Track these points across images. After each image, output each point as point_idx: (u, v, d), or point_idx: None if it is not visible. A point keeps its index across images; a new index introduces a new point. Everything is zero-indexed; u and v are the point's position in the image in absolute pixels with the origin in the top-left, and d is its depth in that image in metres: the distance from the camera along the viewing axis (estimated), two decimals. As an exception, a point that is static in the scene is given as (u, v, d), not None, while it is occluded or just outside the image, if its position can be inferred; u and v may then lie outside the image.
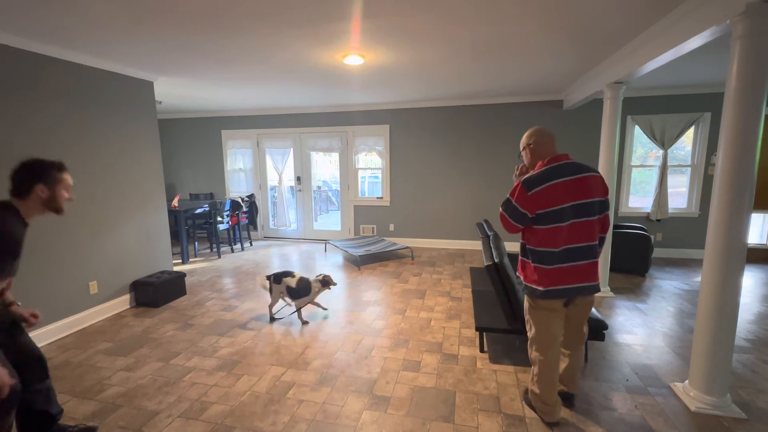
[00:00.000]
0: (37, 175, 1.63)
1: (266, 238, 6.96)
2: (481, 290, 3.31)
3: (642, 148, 5.46)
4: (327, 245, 6.08)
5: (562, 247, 1.79)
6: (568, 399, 2.09)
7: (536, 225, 1.83)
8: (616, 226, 4.72)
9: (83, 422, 2.01)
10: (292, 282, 3.28)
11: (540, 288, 1.83)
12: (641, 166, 5.34)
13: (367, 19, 2.50)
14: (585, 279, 1.82)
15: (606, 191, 1.86)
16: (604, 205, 1.86)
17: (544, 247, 1.82)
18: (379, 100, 5.63)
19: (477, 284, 3.51)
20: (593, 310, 2.31)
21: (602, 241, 1.91)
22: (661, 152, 5.06)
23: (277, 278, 3.30)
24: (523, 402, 2.15)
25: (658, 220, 5.19)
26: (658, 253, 5.17)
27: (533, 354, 1.96)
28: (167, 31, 2.68)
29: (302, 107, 6.14)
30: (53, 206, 1.68)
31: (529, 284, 1.90)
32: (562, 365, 2.03)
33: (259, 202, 6.78)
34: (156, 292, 3.64)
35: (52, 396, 1.82)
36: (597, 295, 3.68)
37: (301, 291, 3.27)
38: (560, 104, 5.28)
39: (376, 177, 6.98)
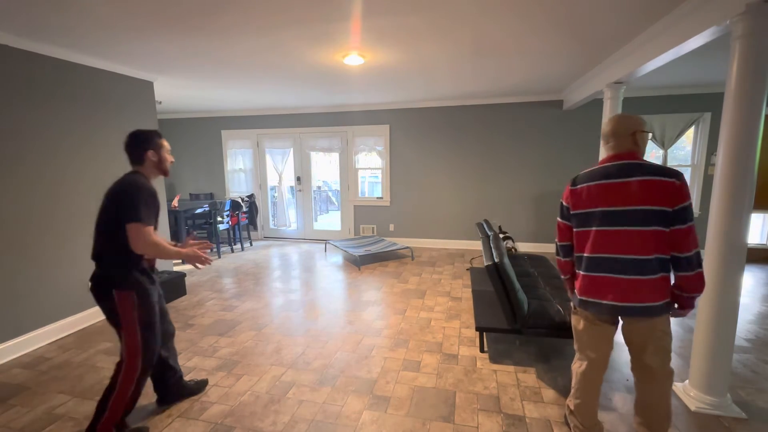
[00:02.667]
0: (145, 142, 1.88)
1: (266, 238, 6.96)
2: (481, 290, 3.31)
3: (642, 148, 5.45)
4: (327, 245, 6.08)
5: (591, 253, 1.65)
6: None
7: (573, 226, 1.74)
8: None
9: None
10: None
11: (577, 296, 1.72)
12: (641, 166, 5.34)
13: (367, 19, 2.50)
14: (626, 297, 1.57)
15: (670, 200, 1.50)
16: (659, 216, 1.52)
17: (578, 251, 1.72)
18: (379, 100, 5.63)
19: (477, 284, 3.51)
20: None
21: (677, 260, 1.55)
22: (661, 152, 5.06)
23: None
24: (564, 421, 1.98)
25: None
26: (658, 253, 5.16)
27: (573, 364, 1.84)
28: (167, 32, 2.68)
29: (302, 107, 6.14)
30: (162, 168, 1.96)
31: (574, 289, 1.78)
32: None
33: (259, 202, 6.78)
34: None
35: (176, 355, 2.21)
36: None
37: None
38: (560, 104, 5.28)
39: (376, 177, 6.99)
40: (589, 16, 2.47)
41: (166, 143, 1.98)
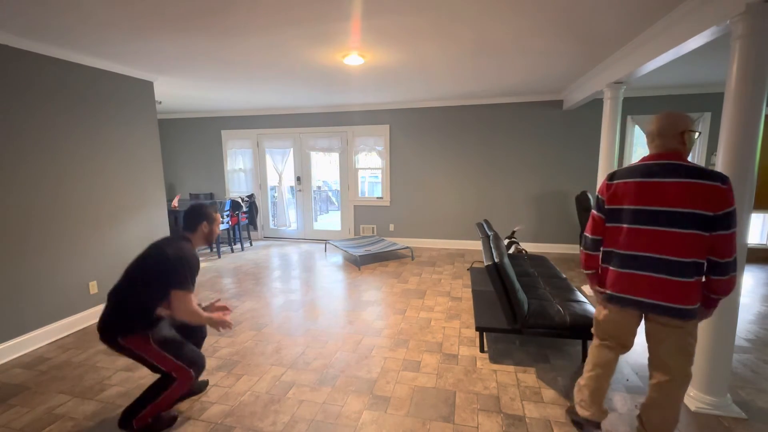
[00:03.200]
0: (202, 216, 2.06)
1: (266, 238, 6.96)
2: (481, 290, 3.31)
3: (642, 148, 5.45)
4: (327, 245, 6.08)
5: (625, 250, 1.66)
6: None
7: (606, 221, 1.74)
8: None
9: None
10: None
11: (608, 291, 1.73)
12: (641, 166, 5.33)
13: (367, 19, 2.50)
14: (659, 296, 1.58)
15: (714, 205, 1.48)
16: (699, 220, 1.49)
17: (609, 247, 1.73)
18: (379, 100, 5.63)
19: (477, 284, 3.51)
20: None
21: (715, 264, 1.54)
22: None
23: None
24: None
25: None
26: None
27: (591, 346, 1.89)
28: (167, 31, 2.68)
29: (302, 107, 6.14)
30: (209, 240, 2.12)
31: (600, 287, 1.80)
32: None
33: (259, 202, 6.78)
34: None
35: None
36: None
37: None
38: (560, 104, 5.28)
39: (376, 177, 6.99)
40: (589, 15, 2.47)
41: (219, 217, 2.16)
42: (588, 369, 1.85)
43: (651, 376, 1.72)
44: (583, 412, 1.83)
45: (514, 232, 4.56)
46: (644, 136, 5.05)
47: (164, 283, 1.84)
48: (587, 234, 1.82)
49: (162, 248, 1.90)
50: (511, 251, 3.11)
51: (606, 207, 1.72)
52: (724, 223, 1.48)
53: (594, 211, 1.79)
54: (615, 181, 1.69)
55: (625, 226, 1.65)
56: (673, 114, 1.61)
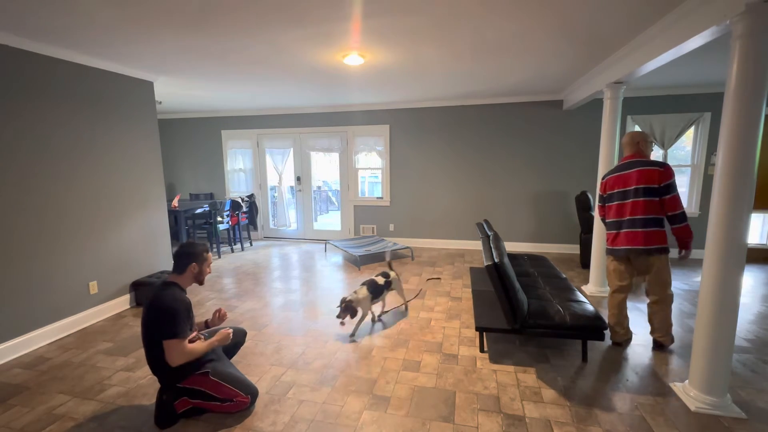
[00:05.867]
0: (191, 256, 2.06)
1: (266, 238, 6.96)
2: (481, 290, 3.31)
3: (642, 148, 5.46)
4: (327, 245, 6.09)
5: (612, 218, 2.69)
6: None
7: (603, 204, 2.82)
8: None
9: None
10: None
11: (607, 246, 2.75)
12: (641, 166, 5.33)
13: (367, 19, 2.50)
14: (632, 243, 2.55)
15: (657, 180, 2.45)
16: (649, 191, 2.48)
17: (608, 218, 2.76)
18: (379, 100, 5.63)
19: (477, 284, 3.51)
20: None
21: (671, 217, 2.48)
22: (661, 152, 5.06)
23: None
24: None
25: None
26: (658, 253, 5.17)
27: (608, 296, 2.82)
28: (167, 32, 2.68)
29: (302, 107, 6.14)
30: (199, 279, 2.11)
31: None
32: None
33: (259, 202, 6.78)
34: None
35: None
36: (596, 294, 3.79)
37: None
38: (560, 104, 5.28)
39: (376, 177, 6.99)
40: (589, 15, 2.47)
41: (210, 257, 2.15)
42: (612, 314, 2.76)
43: (648, 299, 2.69)
44: (611, 338, 2.79)
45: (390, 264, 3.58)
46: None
47: (159, 337, 1.91)
48: (600, 216, 2.90)
49: (148, 305, 1.95)
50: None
51: (603, 195, 2.80)
52: (666, 190, 2.45)
53: (598, 203, 2.90)
54: (606, 177, 2.76)
55: (615, 203, 2.67)
56: (631, 132, 2.71)
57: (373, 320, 3.24)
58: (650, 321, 2.71)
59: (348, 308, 2.88)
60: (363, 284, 3.08)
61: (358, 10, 2.35)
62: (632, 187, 2.53)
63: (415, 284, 4.21)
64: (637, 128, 5.09)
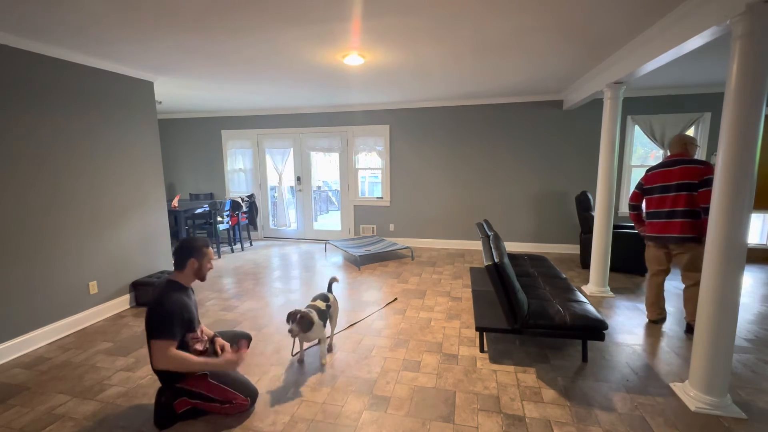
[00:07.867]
0: (191, 250, 2.03)
1: (266, 238, 6.96)
2: (481, 290, 3.31)
3: (642, 148, 5.46)
4: (327, 245, 6.09)
5: (652, 209, 3.01)
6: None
7: (643, 194, 3.12)
8: (615, 226, 4.73)
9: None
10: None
11: (647, 233, 3.07)
12: (641, 166, 5.33)
13: (367, 19, 2.50)
14: (669, 231, 2.89)
15: (698, 176, 2.74)
16: (689, 186, 2.78)
17: (647, 209, 3.07)
18: (379, 100, 5.63)
19: (477, 284, 3.51)
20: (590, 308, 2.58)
21: (702, 210, 2.74)
22: (661, 152, 5.06)
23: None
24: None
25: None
26: (658, 253, 5.17)
27: (646, 280, 3.30)
28: (167, 31, 2.68)
29: (302, 107, 6.14)
30: (200, 275, 2.09)
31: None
32: None
33: (259, 202, 6.78)
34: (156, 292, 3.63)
35: None
36: (596, 294, 3.79)
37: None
38: (560, 104, 5.28)
39: (376, 177, 6.99)
40: (589, 15, 2.47)
41: (210, 252, 2.12)
42: (649, 296, 3.14)
43: (683, 284, 2.95)
44: (655, 316, 3.12)
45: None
46: (644, 136, 5.08)
47: (147, 336, 1.88)
48: (630, 202, 3.22)
49: (148, 303, 1.94)
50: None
51: (645, 187, 3.08)
52: (706, 183, 2.69)
53: (635, 189, 3.18)
54: (650, 172, 3.05)
55: (656, 196, 2.97)
56: (680, 134, 3.03)
57: (298, 359, 2.66)
58: (685, 306, 2.93)
59: (303, 320, 2.36)
60: (309, 309, 2.50)
61: (358, 10, 2.35)
62: (674, 182, 2.83)
63: (415, 284, 4.21)
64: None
